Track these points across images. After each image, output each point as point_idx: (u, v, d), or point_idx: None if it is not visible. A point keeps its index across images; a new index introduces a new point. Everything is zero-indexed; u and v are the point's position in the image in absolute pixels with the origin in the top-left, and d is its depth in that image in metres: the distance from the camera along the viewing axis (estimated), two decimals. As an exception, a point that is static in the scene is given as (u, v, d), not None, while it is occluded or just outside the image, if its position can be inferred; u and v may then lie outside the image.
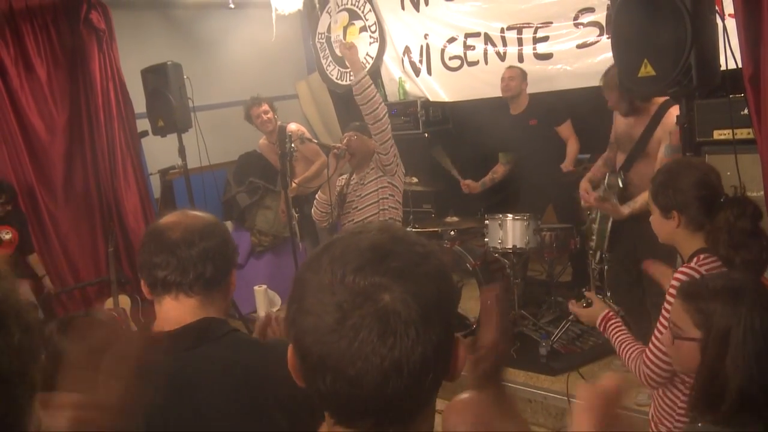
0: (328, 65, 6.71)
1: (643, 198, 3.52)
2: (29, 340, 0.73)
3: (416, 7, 5.96)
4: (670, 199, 2.16)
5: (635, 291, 3.93)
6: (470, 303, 4.52)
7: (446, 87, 5.95)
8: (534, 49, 5.20)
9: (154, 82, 5.04)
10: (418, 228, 5.10)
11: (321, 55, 6.73)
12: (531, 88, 5.04)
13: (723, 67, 2.87)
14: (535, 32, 5.20)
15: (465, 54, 5.71)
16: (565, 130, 4.85)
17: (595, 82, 4.19)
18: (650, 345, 2.11)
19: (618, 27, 3.07)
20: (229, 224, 6.23)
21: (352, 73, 6.41)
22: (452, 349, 0.85)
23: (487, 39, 5.53)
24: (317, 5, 6.71)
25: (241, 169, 6.57)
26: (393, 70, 6.31)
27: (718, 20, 2.82)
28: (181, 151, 5.04)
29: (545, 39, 5.13)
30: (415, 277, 0.80)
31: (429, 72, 6.03)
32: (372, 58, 6.36)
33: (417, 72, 6.10)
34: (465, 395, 1.33)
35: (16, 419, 0.71)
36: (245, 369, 1.48)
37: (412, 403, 0.82)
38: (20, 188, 5.13)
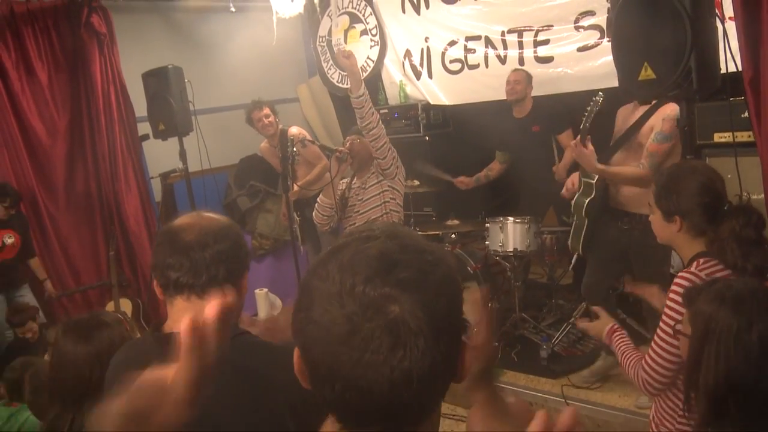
0: (329, 68, 6.72)
1: (622, 169, 3.59)
2: None
3: (417, 10, 5.97)
4: (674, 203, 2.16)
5: (611, 296, 4.00)
6: (470, 306, 4.51)
7: (447, 90, 5.96)
8: (535, 52, 5.20)
9: (155, 86, 5.05)
10: (419, 231, 5.11)
11: (322, 58, 6.74)
12: (533, 92, 5.04)
13: (723, 70, 2.88)
14: (536, 35, 5.21)
15: (466, 57, 5.72)
16: (565, 138, 4.84)
17: (596, 85, 4.20)
18: (649, 352, 2.12)
19: (618, 30, 3.08)
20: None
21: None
22: (459, 354, 0.86)
23: (488, 42, 5.53)
24: (318, 8, 6.71)
25: (242, 173, 6.57)
26: (394, 73, 6.31)
27: (718, 23, 2.82)
28: (182, 155, 5.04)
29: (546, 42, 5.14)
30: (425, 287, 0.80)
31: (430, 75, 6.03)
32: (373, 61, 6.37)
33: (418, 75, 6.11)
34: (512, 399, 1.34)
35: None
36: (255, 372, 1.48)
37: (419, 409, 0.83)
38: (21, 191, 5.13)
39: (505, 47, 5.42)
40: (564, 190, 4.06)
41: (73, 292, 5.51)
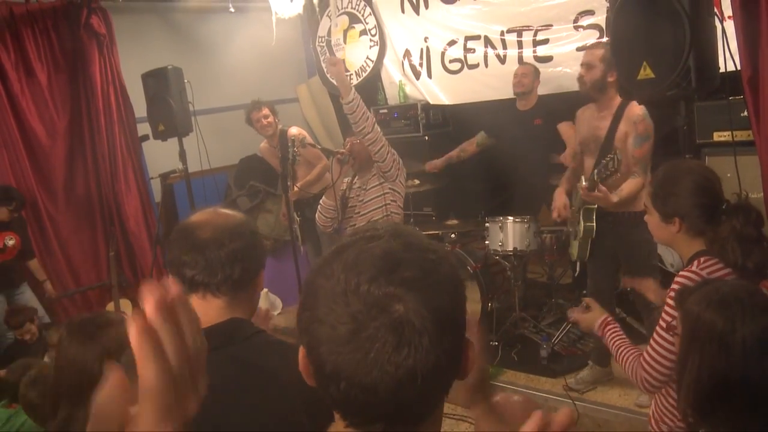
0: (329, 69, 6.73)
1: (628, 186, 3.53)
2: None
3: (416, 10, 5.97)
4: (671, 205, 2.16)
5: (614, 295, 4.02)
6: (471, 306, 4.51)
7: (446, 90, 5.96)
8: (534, 51, 5.20)
9: (154, 87, 5.05)
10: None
11: (321, 58, 6.74)
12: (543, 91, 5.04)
13: (722, 70, 2.88)
14: (535, 35, 5.21)
15: (465, 57, 5.72)
16: (564, 128, 4.81)
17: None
18: (648, 349, 2.12)
19: (617, 29, 3.08)
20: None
21: (351, 78, 6.48)
22: (463, 352, 0.87)
23: (487, 42, 5.54)
24: (317, 9, 6.72)
25: (241, 173, 6.58)
26: (393, 73, 6.32)
27: (717, 22, 2.82)
28: (182, 155, 5.05)
29: (545, 42, 5.14)
30: (428, 286, 0.80)
31: (429, 75, 6.03)
32: (372, 61, 6.37)
33: (417, 75, 6.11)
34: (497, 398, 1.35)
35: None
36: (272, 370, 1.48)
37: (423, 407, 0.84)
38: (21, 193, 5.14)
39: (505, 47, 5.43)
40: (556, 214, 4.05)
41: (73, 292, 5.51)
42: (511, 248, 4.61)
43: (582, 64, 3.76)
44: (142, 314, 0.72)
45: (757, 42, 2.68)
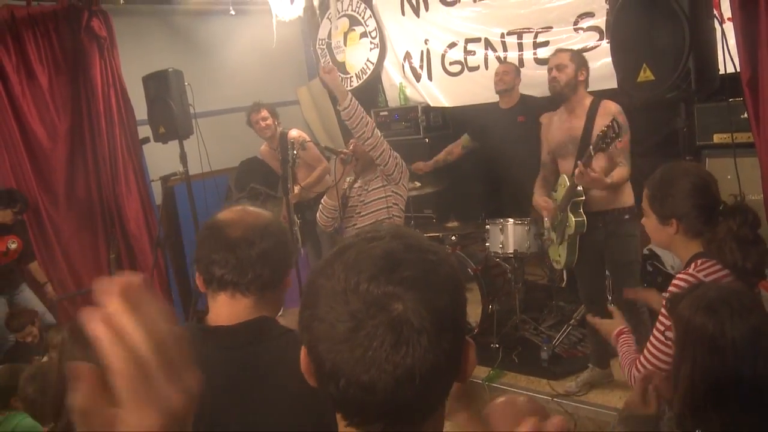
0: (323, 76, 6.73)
1: (618, 173, 3.55)
2: None
3: (416, 12, 5.98)
4: (669, 207, 2.17)
5: (605, 297, 4.02)
6: (471, 308, 4.50)
7: (447, 92, 5.97)
8: (534, 54, 5.21)
9: (155, 89, 5.05)
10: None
11: (322, 61, 6.75)
12: (532, 92, 5.04)
13: (722, 71, 2.88)
14: (536, 37, 5.22)
15: (465, 59, 5.73)
16: (545, 119, 4.80)
17: (596, 86, 4.19)
18: (644, 353, 2.14)
19: (617, 32, 3.09)
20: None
21: (352, 80, 6.50)
22: (462, 353, 0.87)
23: (488, 44, 5.54)
24: (318, 11, 6.73)
25: (242, 176, 6.58)
26: (394, 75, 6.32)
27: (717, 24, 2.83)
28: (183, 158, 5.05)
29: (545, 44, 5.15)
30: (428, 286, 0.81)
31: (430, 77, 6.04)
32: (373, 63, 6.38)
33: (418, 77, 6.12)
34: (500, 399, 1.36)
35: None
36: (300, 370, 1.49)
37: (423, 407, 0.84)
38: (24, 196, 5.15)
39: (505, 49, 5.43)
40: (545, 213, 4.05)
41: (73, 295, 5.51)
42: (511, 250, 4.61)
43: (551, 68, 3.79)
44: (100, 307, 0.68)
45: (756, 44, 2.69)
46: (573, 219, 3.75)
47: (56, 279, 5.43)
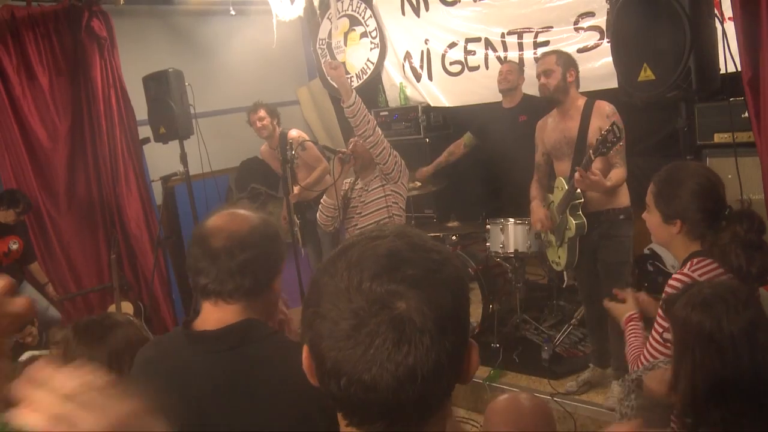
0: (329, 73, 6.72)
1: (616, 174, 3.54)
2: None
3: (417, 12, 5.98)
4: (674, 207, 2.16)
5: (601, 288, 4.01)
6: (472, 307, 4.49)
7: (447, 92, 5.96)
8: (535, 53, 5.20)
9: (155, 89, 5.06)
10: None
11: (322, 61, 6.75)
12: (532, 92, 5.03)
13: (722, 71, 2.88)
14: (536, 37, 5.22)
15: (466, 59, 5.72)
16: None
17: (596, 86, 4.20)
18: (644, 350, 2.14)
19: (618, 31, 3.08)
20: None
21: (352, 80, 6.49)
22: (465, 354, 0.86)
23: (488, 44, 5.54)
24: (318, 11, 6.73)
25: (242, 176, 6.58)
26: (394, 75, 6.32)
27: (717, 24, 2.83)
28: (183, 158, 5.05)
29: (546, 43, 5.14)
30: (431, 285, 0.80)
31: (430, 77, 6.04)
32: (373, 63, 6.38)
33: (418, 77, 6.11)
34: (503, 397, 1.36)
35: None
36: (287, 370, 1.48)
37: (425, 407, 0.83)
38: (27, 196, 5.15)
39: (505, 49, 5.43)
40: (539, 226, 4.03)
41: (74, 295, 5.51)
42: (512, 250, 4.60)
43: (539, 74, 3.78)
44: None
45: (757, 43, 2.68)
46: (573, 222, 3.74)
47: (57, 279, 5.44)
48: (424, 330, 0.77)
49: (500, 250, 4.66)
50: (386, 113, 6.18)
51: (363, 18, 6.37)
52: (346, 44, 6.56)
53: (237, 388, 1.46)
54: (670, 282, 2.11)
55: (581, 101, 3.74)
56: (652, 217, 2.27)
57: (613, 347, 3.81)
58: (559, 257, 3.98)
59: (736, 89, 3.14)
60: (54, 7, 5.34)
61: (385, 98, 6.44)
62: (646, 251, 4.76)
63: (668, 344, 1.91)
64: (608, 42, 3.97)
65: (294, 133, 5.25)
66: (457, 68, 5.82)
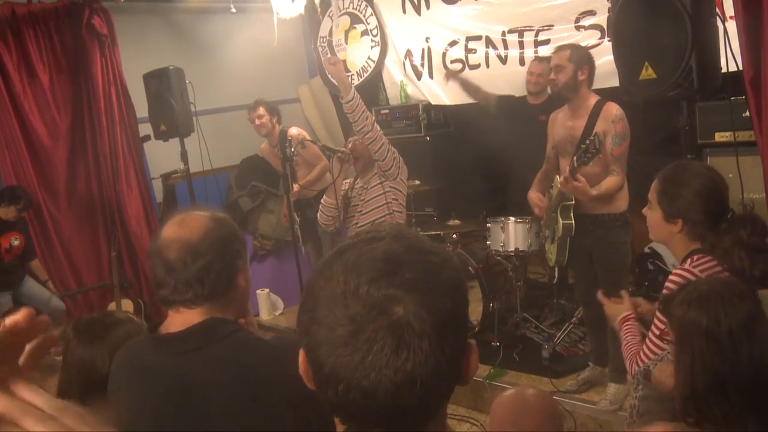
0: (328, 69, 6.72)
1: (607, 183, 3.49)
2: None
3: (417, 10, 5.97)
4: (677, 206, 2.16)
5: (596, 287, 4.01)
6: (472, 306, 4.51)
7: (448, 90, 5.96)
8: (535, 52, 5.19)
9: (156, 87, 5.05)
10: (420, 231, 5.09)
11: (323, 59, 6.74)
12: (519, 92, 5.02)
13: (724, 70, 2.88)
14: (537, 35, 5.21)
15: (466, 57, 5.72)
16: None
17: (597, 84, 4.17)
18: (644, 349, 2.14)
19: (619, 30, 3.08)
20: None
21: (353, 78, 6.48)
22: (464, 357, 0.85)
23: (489, 42, 5.53)
24: (319, 9, 6.71)
25: (243, 173, 6.57)
26: (395, 73, 6.32)
27: (719, 23, 2.82)
28: (184, 156, 5.05)
29: (546, 42, 5.13)
30: (429, 289, 0.79)
31: (431, 75, 6.03)
32: (374, 61, 6.38)
33: (419, 75, 6.11)
34: (510, 392, 1.36)
35: None
36: (250, 368, 1.48)
37: (424, 412, 0.82)
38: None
39: (506, 47, 5.42)
40: (537, 210, 4.02)
41: (74, 293, 5.52)
42: (512, 249, 4.60)
43: (551, 68, 3.71)
44: None
45: (759, 42, 2.68)
46: (561, 222, 3.72)
47: (57, 277, 5.44)
48: (423, 335, 0.76)
49: (501, 249, 4.65)
50: (387, 111, 6.17)
51: (364, 16, 6.36)
52: (346, 42, 6.55)
53: (199, 389, 1.46)
54: (671, 277, 2.11)
55: (592, 100, 3.64)
56: (653, 214, 2.26)
57: (610, 349, 3.80)
58: (551, 253, 3.98)
59: (737, 88, 3.14)
60: (54, 5, 5.34)
61: (386, 96, 6.43)
62: (646, 250, 4.76)
63: (667, 342, 1.91)
64: (609, 41, 3.97)
65: (294, 131, 5.25)
66: (457, 66, 5.80)
